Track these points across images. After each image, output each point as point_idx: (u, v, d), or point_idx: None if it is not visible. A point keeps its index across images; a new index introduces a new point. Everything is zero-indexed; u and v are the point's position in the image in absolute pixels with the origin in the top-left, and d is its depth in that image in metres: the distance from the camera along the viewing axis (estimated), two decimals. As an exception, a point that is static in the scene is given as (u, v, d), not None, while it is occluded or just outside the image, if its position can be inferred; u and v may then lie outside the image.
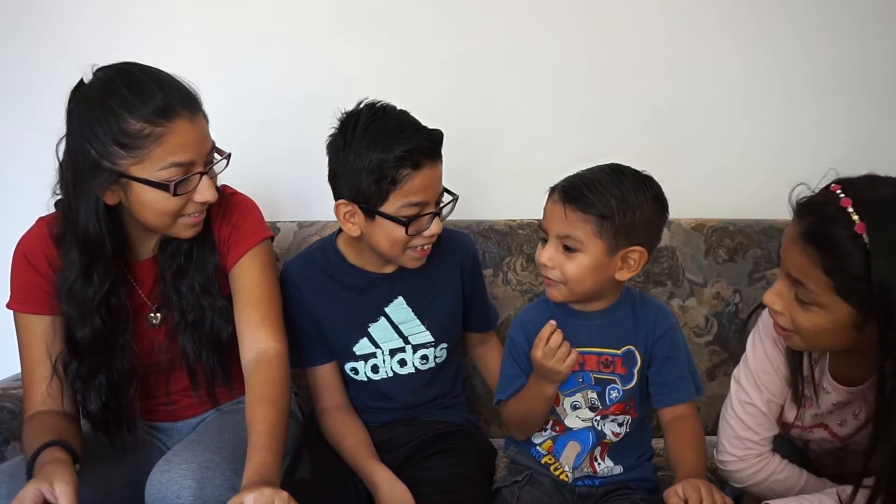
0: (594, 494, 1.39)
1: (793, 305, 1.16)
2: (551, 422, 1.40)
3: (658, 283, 1.78)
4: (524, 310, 1.48)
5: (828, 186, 1.14)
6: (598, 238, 1.26)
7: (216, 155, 1.33)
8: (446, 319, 1.55)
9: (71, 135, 1.26)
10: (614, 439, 1.39)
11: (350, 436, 1.48)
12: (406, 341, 1.53)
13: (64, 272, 1.31)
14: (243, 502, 1.10)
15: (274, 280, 1.43)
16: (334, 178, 1.43)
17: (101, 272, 1.30)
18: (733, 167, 1.93)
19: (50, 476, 1.14)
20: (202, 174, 1.28)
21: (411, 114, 1.42)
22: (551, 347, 1.29)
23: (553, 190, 1.32)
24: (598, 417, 1.38)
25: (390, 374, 1.53)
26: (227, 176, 1.38)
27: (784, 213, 1.18)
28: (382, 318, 1.52)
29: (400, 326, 1.52)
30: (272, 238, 1.47)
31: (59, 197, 1.32)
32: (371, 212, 1.39)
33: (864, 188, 1.11)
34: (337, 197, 1.43)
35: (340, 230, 1.51)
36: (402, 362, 1.53)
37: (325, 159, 1.44)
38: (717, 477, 1.39)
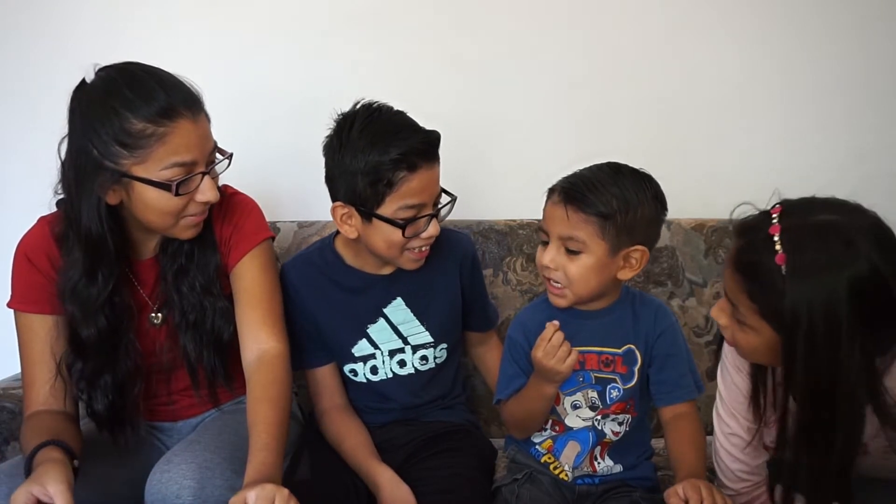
0: (594, 493, 1.39)
1: (733, 321, 1.16)
2: (551, 421, 1.41)
3: (658, 283, 1.78)
4: (524, 310, 1.48)
5: (770, 208, 1.13)
6: (601, 238, 1.26)
7: (218, 155, 1.33)
8: (445, 320, 1.55)
9: (73, 134, 1.26)
10: (614, 438, 1.39)
11: (351, 437, 1.48)
12: (405, 342, 1.52)
13: (67, 272, 1.31)
14: (245, 500, 1.10)
15: (275, 280, 1.43)
16: (331, 180, 1.42)
17: (104, 272, 1.30)
18: (733, 167, 1.93)
19: (42, 476, 1.14)
20: (204, 174, 1.28)
21: (409, 114, 1.41)
22: (553, 346, 1.29)
23: (552, 191, 1.32)
24: (598, 417, 1.38)
25: (390, 375, 1.53)
26: (228, 176, 1.38)
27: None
28: (381, 319, 1.51)
29: (399, 327, 1.52)
30: (273, 238, 1.48)
31: (60, 196, 1.32)
32: (368, 214, 1.39)
33: (801, 214, 1.10)
34: (333, 199, 1.42)
35: (338, 231, 1.51)
36: (402, 363, 1.53)
37: (326, 159, 1.44)
38: (716, 476, 1.39)
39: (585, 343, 1.35)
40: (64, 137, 1.27)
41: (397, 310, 1.51)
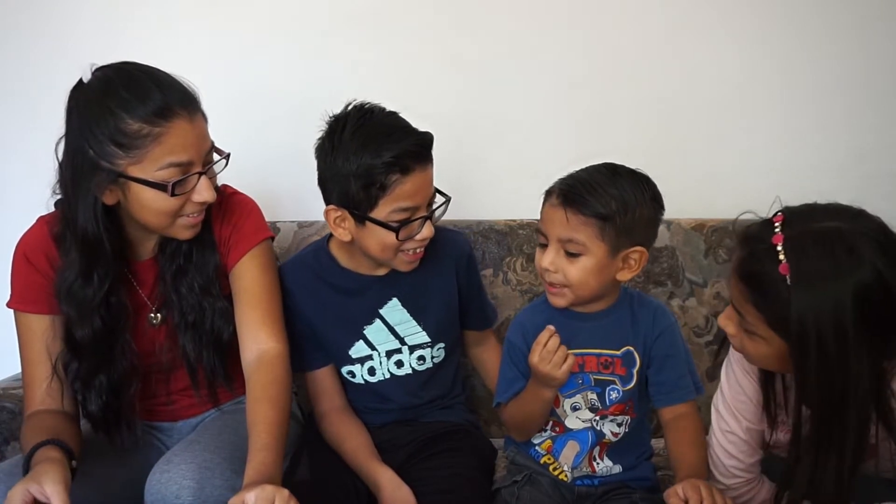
0: (593, 494, 1.39)
1: (740, 330, 1.16)
2: (551, 422, 1.40)
3: (658, 283, 1.78)
4: (522, 312, 1.47)
5: (773, 216, 1.13)
6: (601, 240, 1.26)
7: (215, 155, 1.32)
8: (442, 319, 1.54)
9: (70, 134, 1.26)
10: (613, 439, 1.39)
11: (351, 438, 1.48)
12: (402, 342, 1.52)
13: (64, 272, 1.31)
14: (245, 501, 1.10)
15: (274, 280, 1.43)
16: (323, 183, 1.41)
17: (100, 272, 1.30)
18: (733, 167, 1.93)
19: (40, 475, 1.14)
20: (201, 174, 1.28)
21: (403, 115, 1.40)
22: (549, 351, 1.28)
23: (550, 193, 1.31)
24: (597, 418, 1.38)
25: (387, 376, 1.53)
26: (228, 176, 1.38)
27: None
28: (377, 320, 1.51)
29: (395, 328, 1.51)
30: (272, 238, 1.47)
31: (59, 196, 1.32)
32: (361, 217, 1.37)
33: (803, 222, 1.09)
34: (327, 202, 1.41)
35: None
36: (399, 363, 1.53)
37: (327, 159, 1.43)
38: (709, 470, 1.39)
39: (584, 345, 1.34)
40: (61, 138, 1.27)
41: (393, 310, 1.51)
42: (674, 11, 1.89)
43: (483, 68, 1.92)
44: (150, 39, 1.89)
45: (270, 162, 1.88)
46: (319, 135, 1.42)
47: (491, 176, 1.95)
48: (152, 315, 1.41)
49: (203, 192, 1.29)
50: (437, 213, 1.43)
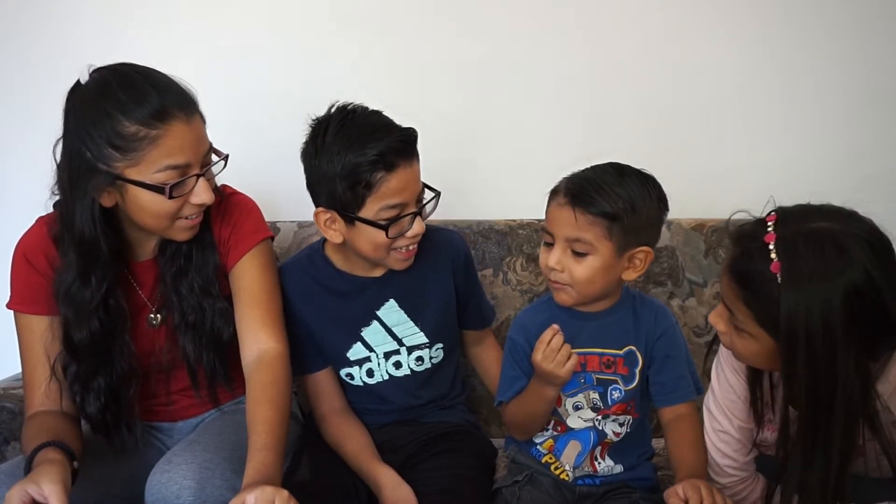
0: (594, 493, 1.39)
1: (730, 327, 1.17)
2: (553, 422, 1.40)
3: (658, 283, 1.78)
4: (524, 311, 1.48)
5: (766, 216, 1.13)
6: (608, 240, 1.26)
7: (213, 156, 1.32)
8: (440, 319, 1.53)
9: (67, 136, 1.25)
10: (615, 439, 1.39)
11: (351, 439, 1.48)
12: (400, 343, 1.52)
13: (62, 274, 1.30)
14: (245, 502, 1.10)
15: (274, 280, 1.43)
16: (311, 186, 1.41)
17: (98, 274, 1.29)
18: (733, 167, 1.93)
19: (39, 476, 1.14)
20: (199, 176, 1.28)
21: (385, 114, 1.39)
22: (552, 349, 1.29)
23: (556, 192, 1.31)
24: (599, 417, 1.38)
25: (386, 377, 1.52)
26: (228, 176, 1.38)
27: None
28: (375, 322, 1.50)
29: (393, 329, 1.51)
30: (272, 238, 1.47)
31: (57, 197, 1.31)
32: (350, 218, 1.37)
33: (795, 222, 1.10)
34: (316, 205, 1.41)
35: None
36: (398, 364, 1.52)
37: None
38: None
39: (587, 345, 1.35)
40: (59, 139, 1.26)
41: (390, 311, 1.51)
42: (674, 11, 1.89)
43: (483, 68, 1.92)
44: (149, 39, 1.89)
45: (270, 162, 1.87)
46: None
47: (491, 176, 1.95)
48: (152, 316, 1.41)
49: (201, 194, 1.28)
50: (427, 208, 1.42)
